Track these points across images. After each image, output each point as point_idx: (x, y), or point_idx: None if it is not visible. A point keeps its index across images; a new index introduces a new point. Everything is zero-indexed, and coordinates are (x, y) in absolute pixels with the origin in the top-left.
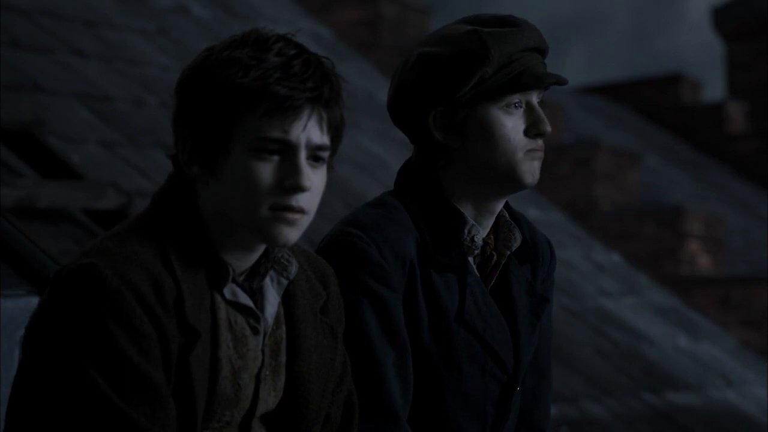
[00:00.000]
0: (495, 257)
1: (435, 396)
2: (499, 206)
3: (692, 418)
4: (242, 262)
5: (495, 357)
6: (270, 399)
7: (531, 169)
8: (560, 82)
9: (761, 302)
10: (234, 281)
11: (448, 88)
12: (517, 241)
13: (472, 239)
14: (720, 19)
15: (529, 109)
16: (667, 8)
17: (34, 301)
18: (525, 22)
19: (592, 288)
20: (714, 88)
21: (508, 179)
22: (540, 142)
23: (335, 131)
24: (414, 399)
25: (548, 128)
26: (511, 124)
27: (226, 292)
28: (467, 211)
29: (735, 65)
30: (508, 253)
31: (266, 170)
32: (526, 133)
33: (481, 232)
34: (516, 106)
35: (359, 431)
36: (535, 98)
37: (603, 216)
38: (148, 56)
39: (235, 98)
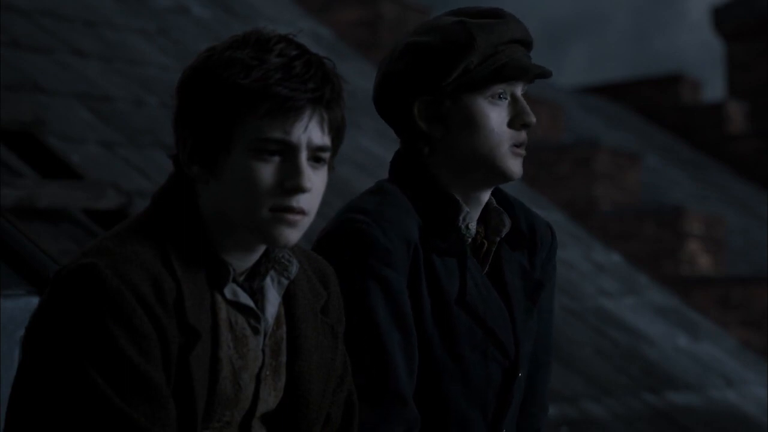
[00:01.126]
0: (486, 245)
1: (438, 383)
2: (486, 196)
3: (692, 418)
4: (242, 262)
5: (496, 341)
6: (270, 399)
7: (515, 162)
8: (545, 73)
9: (761, 302)
10: (234, 281)
11: (434, 77)
12: (506, 227)
13: (467, 226)
14: (720, 19)
15: (514, 101)
16: (667, 8)
17: (34, 301)
18: (510, 14)
19: (592, 288)
20: (714, 88)
21: (492, 171)
22: (524, 134)
23: (336, 132)
24: (417, 386)
25: (533, 119)
26: (496, 115)
27: (227, 292)
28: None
29: (735, 65)
30: (498, 239)
31: (267, 171)
32: (511, 124)
33: (474, 219)
34: (501, 97)
35: (367, 414)
36: (519, 90)
37: (603, 216)
38: (148, 56)
39: (236, 98)
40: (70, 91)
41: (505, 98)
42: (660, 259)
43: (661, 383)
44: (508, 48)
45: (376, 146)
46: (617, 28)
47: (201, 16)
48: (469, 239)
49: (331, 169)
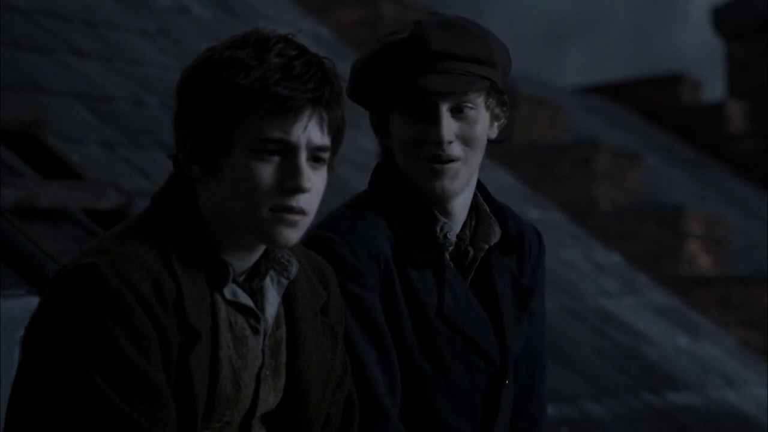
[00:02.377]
0: (471, 252)
1: (423, 395)
2: (455, 202)
3: (692, 418)
4: (242, 262)
5: (478, 349)
6: (270, 399)
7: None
8: None
9: (761, 302)
10: (234, 281)
11: None
12: (495, 236)
13: (445, 236)
14: (720, 19)
15: None
16: (667, 8)
17: (34, 301)
18: None
19: (592, 288)
20: (714, 88)
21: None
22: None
23: (336, 132)
24: (403, 398)
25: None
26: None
27: (227, 292)
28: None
29: (735, 65)
30: (486, 247)
31: (266, 171)
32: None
33: (454, 228)
34: None
35: None
36: None
37: (603, 216)
38: (148, 56)
39: (236, 98)
40: (70, 91)
41: None
42: (660, 259)
43: (661, 383)
44: None
45: (376, 146)
46: (617, 28)
47: (201, 16)
48: (450, 248)
49: (331, 169)
